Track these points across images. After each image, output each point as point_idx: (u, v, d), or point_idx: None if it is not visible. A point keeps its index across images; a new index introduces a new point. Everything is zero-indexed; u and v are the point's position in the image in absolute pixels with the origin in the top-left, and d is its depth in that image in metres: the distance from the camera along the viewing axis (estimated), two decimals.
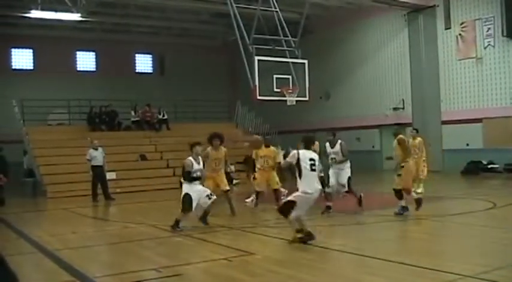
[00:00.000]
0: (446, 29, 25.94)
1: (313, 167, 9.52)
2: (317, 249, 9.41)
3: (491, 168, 23.61)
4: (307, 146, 9.89)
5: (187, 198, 11.55)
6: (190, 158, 12.11)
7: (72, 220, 15.24)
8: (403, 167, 12.57)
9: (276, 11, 21.56)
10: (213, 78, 36.38)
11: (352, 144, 29.11)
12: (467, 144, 24.91)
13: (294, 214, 9.39)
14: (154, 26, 33.54)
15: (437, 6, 26.22)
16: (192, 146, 12.32)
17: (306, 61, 21.01)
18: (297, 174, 9.51)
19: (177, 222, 11.68)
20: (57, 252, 9.75)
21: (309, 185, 9.40)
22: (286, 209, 9.51)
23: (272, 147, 15.44)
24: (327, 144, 14.08)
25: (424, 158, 17.51)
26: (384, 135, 29.01)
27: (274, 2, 21.65)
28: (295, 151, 9.76)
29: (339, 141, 14.09)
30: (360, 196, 14.11)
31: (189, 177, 11.80)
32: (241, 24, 20.23)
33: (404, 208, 12.59)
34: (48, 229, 13.36)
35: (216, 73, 36.89)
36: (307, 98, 21.03)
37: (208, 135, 13.79)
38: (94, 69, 35.12)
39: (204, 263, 8.63)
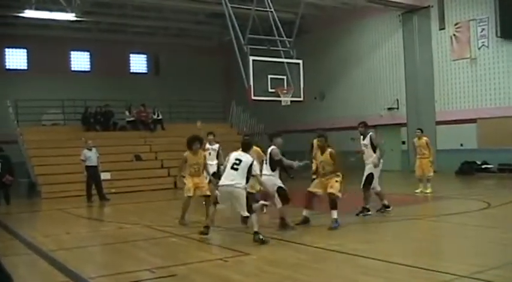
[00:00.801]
0: (440, 29, 25.99)
1: (235, 166, 10.22)
2: (312, 249, 9.41)
3: (486, 168, 23.67)
4: (244, 149, 10.65)
5: None
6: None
7: (67, 221, 15.20)
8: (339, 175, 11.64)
9: (271, 11, 21.53)
10: (207, 78, 36.35)
11: (346, 145, 29.15)
12: (462, 145, 24.97)
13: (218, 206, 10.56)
14: (149, 26, 33.46)
15: (432, 6, 26.27)
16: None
17: (300, 61, 21.00)
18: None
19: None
20: (52, 253, 9.72)
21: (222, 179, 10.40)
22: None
23: (255, 148, 15.06)
24: (361, 136, 13.75)
25: (430, 158, 17.55)
26: (378, 135, 28.98)
27: (269, 2, 21.62)
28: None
29: (370, 133, 13.76)
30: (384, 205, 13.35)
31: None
32: (236, 25, 20.21)
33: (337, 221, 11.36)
34: (43, 230, 13.33)
35: (211, 73, 36.87)
36: (301, 99, 21.01)
37: (187, 139, 12.84)
38: (88, 69, 35.01)
39: (199, 264, 8.62)
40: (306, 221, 11.84)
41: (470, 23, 24.63)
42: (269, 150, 11.76)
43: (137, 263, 9.04)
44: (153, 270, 8.23)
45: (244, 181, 10.19)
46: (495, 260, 8.02)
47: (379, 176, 13.43)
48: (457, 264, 7.79)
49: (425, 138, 17.99)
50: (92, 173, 19.55)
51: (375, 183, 13.20)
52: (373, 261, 8.30)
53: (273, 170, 11.51)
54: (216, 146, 16.50)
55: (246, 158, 10.37)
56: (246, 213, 10.11)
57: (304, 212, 11.88)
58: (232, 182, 10.13)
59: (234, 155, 10.46)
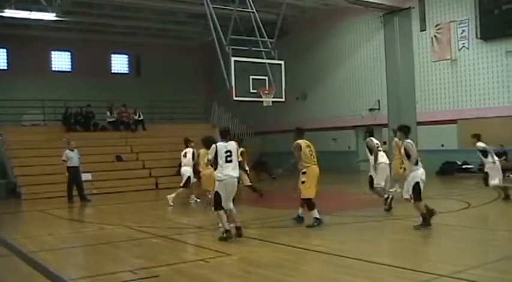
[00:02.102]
0: (421, 30, 26.17)
1: (228, 158, 10.23)
2: (295, 249, 9.43)
3: (466, 168, 23.86)
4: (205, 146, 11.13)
5: None
6: None
7: (48, 222, 15.11)
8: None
9: (253, 12, 21.51)
10: (189, 79, 36.26)
11: (328, 145, 29.34)
12: (443, 145, 25.16)
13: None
14: (131, 26, 33.31)
15: (413, 8, 26.44)
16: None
17: (282, 62, 21.00)
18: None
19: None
20: (33, 255, 9.58)
21: (223, 172, 10.20)
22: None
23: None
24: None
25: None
26: (359, 136, 29.13)
27: (251, 2, 21.62)
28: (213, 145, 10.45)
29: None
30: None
31: None
32: (218, 25, 20.17)
33: (318, 220, 11.54)
34: (24, 231, 13.23)
35: (193, 74, 36.78)
36: (283, 99, 21.01)
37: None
38: (70, 70, 34.78)
39: (181, 264, 8.61)
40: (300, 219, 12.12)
41: (451, 24, 24.83)
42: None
43: (119, 264, 9.01)
44: (135, 271, 8.21)
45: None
46: (475, 259, 8.10)
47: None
48: (438, 264, 7.84)
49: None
50: (74, 173, 19.45)
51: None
52: (356, 261, 8.34)
53: None
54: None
55: (232, 146, 10.49)
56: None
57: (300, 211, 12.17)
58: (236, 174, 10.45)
59: (222, 148, 10.35)
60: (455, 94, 24.86)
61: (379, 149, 14.65)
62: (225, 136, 10.62)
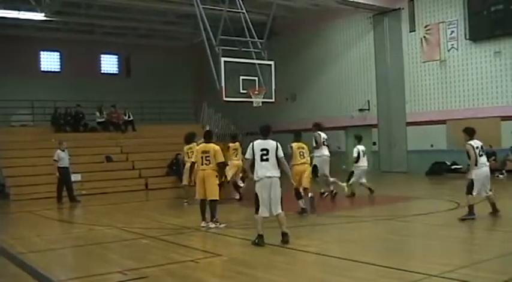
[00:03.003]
0: (411, 31, 26.27)
1: (264, 157, 9.80)
2: (284, 250, 9.43)
3: (455, 168, 23.94)
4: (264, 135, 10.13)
5: None
6: None
7: (37, 223, 15.02)
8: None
9: (243, 13, 21.53)
10: (179, 79, 36.22)
11: None
12: (432, 145, 25.26)
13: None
14: (120, 27, 33.22)
15: (403, 9, 26.54)
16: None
17: (272, 62, 21.03)
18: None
19: None
20: (21, 256, 9.60)
21: (256, 172, 9.84)
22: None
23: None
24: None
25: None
26: (349, 136, 29.23)
27: (241, 3, 21.63)
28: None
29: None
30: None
31: None
32: (208, 26, 20.16)
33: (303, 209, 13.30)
34: (12, 232, 13.16)
35: (183, 74, 36.74)
36: (273, 100, 21.05)
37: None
38: (59, 70, 34.66)
39: (171, 265, 8.58)
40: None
41: (440, 25, 24.94)
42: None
43: (108, 265, 8.97)
44: (125, 272, 8.18)
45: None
46: (464, 259, 8.13)
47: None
48: (427, 264, 7.86)
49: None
50: (64, 174, 19.36)
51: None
52: (344, 261, 8.35)
53: None
54: None
55: (269, 144, 9.99)
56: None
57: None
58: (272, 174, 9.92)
59: (258, 145, 9.97)
60: (445, 95, 24.97)
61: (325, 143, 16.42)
62: (266, 134, 10.13)
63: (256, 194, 9.77)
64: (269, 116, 29.72)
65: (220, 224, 11.91)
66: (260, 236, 9.72)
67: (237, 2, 21.57)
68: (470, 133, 12.44)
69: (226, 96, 19.65)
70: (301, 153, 13.94)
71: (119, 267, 8.59)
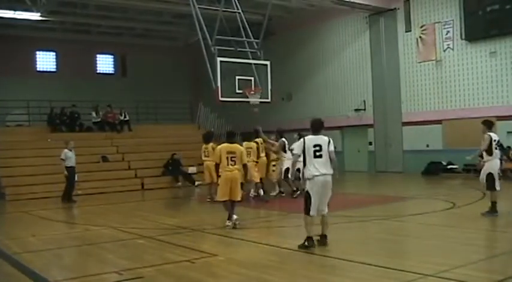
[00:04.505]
0: (406, 31, 26.29)
1: (318, 153, 9.30)
2: (281, 250, 9.44)
3: (451, 168, 23.99)
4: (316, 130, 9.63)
5: None
6: None
7: (33, 223, 14.99)
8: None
9: (239, 13, 21.53)
10: (175, 79, 36.20)
11: None
12: (428, 145, 25.29)
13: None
14: (116, 27, 33.19)
15: (398, 9, 26.56)
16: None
17: (268, 62, 21.03)
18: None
19: None
20: (17, 256, 9.57)
21: (308, 169, 9.31)
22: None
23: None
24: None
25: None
26: (345, 136, 29.30)
27: (237, 3, 21.63)
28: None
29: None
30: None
31: None
32: (204, 25, 20.16)
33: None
34: (8, 232, 13.12)
35: (178, 74, 36.72)
36: (269, 100, 21.05)
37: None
38: (54, 70, 34.59)
39: (167, 265, 8.58)
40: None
41: (436, 25, 24.96)
42: None
43: (104, 265, 8.97)
44: (121, 272, 8.18)
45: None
46: (460, 259, 8.14)
47: None
48: (423, 264, 7.88)
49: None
50: (70, 173, 19.11)
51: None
52: (340, 261, 8.37)
53: None
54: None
55: (323, 140, 9.48)
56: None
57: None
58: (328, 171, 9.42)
59: (310, 141, 9.42)
60: (440, 95, 24.99)
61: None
62: (318, 129, 9.61)
63: (307, 193, 9.30)
64: (265, 115, 29.79)
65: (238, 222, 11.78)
66: (310, 238, 9.26)
67: (233, 2, 21.57)
68: (489, 125, 12.69)
69: (222, 97, 19.64)
70: (248, 152, 15.83)
71: (115, 268, 8.59)
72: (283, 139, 17.82)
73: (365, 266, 7.92)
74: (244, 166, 11.90)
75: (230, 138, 12.31)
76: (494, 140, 12.33)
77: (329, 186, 9.43)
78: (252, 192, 17.52)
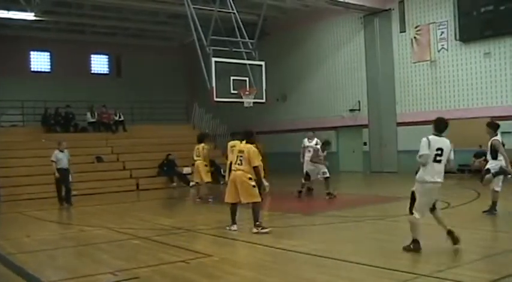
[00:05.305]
0: (401, 32, 26.35)
1: (438, 158, 8.81)
2: (275, 250, 9.44)
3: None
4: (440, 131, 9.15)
5: None
6: None
7: (27, 224, 14.95)
8: None
9: (234, 13, 21.55)
10: (170, 79, 36.17)
11: None
12: None
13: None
14: (111, 27, 33.15)
15: (393, 9, 26.62)
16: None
17: (263, 63, 21.05)
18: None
19: None
20: (11, 257, 9.56)
21: (426, 173, 8.81)
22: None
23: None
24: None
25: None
26: (340, 136, 29.33)
27: (232, 3, 21.63)
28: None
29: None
30: None
31: None
32: (199, 26, 20.16)
33: None
34: (2, 233, 13.06)
35: (173, 74, 36.69)
36: (264, 100, 21.06)
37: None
38: (49, 70, 34.53)
39: (162, 266, 8.58)
40: None
41: (430, 26, 25.02)
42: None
43: (99, 266, 8.95)
44: (116, 272, 8.17)
45: None
46: (455, 259, 8.17)
47: None
48: (418, 264, 7.91)
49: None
50: (62, 175, 18.41)
51: None
52: (335, 261, 8.37)
53: None
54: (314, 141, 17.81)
55: (445, 144, 8.96)
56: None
57: None
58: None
59: (434, 143, 8.88)
60: (435, 95, 25.06)
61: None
62: (442, 129, 9.13)
63: (413, 194, 8.96)
64: (260, 116, 29.88)
65: (262, 229, 10.94)
66: (416, 241, 8.80)
67: (228, 2, 21.57)
68: (495, 128, 12.11)
69: (217, 97, 19.65)
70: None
71: (110, 268, 8.58)
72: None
73: (360, 266, 7.93)
74: (254, 169, 11.05)
75: (244, 137, 11.72)
76: (501, 142, 11.99)
77: (438, 192, 9.09)
78: None
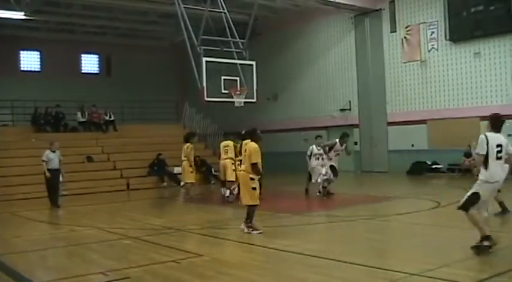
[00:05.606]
0: (391, 32, 26.41)
1: (499, 155, 8.34)
2: (267, 250, 9.44)
3: (436, 168, 24.16)
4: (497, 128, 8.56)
5: None
6: None
7: (17, 224, 14.90)
8: None
9: (224, 12, 21.54)
10: (160, 79, 36.07)
11: (299, 146, 29.40)
12: (413, 145, 25.41)
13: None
14: (101, 26, 33.04)
15: (383, 10, 26.67)
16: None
17: (253, 62, 21.05)
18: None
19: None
20: (1, 257, 9.52)
21: (490, 171, 8.35)
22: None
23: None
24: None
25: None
26: (331, 136, 29.30)
27: (223, 3, 21.62)
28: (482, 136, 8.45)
29: None
30: None
31: None
32: (189, 25, 20.13)
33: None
34: None
35: (164, 74, 36.59)
36: (255, 100, 21.06)
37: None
38: (39, 69, 34.39)
39: (153, 265, 8.56)
40: None
41: (421, 26, 25.10)
42: None
43: (90, 266, 8.92)
44: (107, 273, 8.15)
45: None
46: (445, 257, 8.18)
47: None
48: (409, 263, 7.92)
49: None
50: (53, 176, 18.04)
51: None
52: (328, 261, 8.38)
53: None
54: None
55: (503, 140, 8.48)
56: None
57: None
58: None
59: (493, 140, 8.36)
60: (425, 95, 25.14)
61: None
62: (499, 127, 8.59)
63: (476, 193, 8.42)
64: (251, 116, 29.82)
65: (253, 230, 10.81)
66: (489, 238, 8.32)
67: (219, 2, 21.56)
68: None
69: (207, 97, 19.63)
70: (226, 150, 17.12)
71: (101, 268, 8.56)
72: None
73: (351, 266, 7.94)
74: (252, 167, 10.76)
75: (247, 135, 11.69)
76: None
77: (497, 189, 8.90)
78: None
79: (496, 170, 8.33)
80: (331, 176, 16.66)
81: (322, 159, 16.98)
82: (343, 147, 16.96)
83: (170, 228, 12.26)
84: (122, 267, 8.52)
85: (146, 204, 19.47)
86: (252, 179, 10.75)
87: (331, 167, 16.76)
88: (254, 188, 10.78)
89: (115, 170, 24.98)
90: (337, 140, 16.89)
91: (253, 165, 10.70)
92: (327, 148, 16.80)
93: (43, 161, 18.12)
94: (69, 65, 34.63)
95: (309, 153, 17.55)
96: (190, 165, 18.20)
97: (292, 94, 31.45)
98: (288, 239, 10.15)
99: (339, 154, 17.10)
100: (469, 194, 8.44)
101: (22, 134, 25.71)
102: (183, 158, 18.23)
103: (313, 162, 17.28)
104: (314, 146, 17.51)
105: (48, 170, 18.00)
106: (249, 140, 11.35)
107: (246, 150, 11.04)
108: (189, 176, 18.23)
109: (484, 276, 7.05)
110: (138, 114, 31.26)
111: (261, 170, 10.77)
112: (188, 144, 18.15)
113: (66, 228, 13.56)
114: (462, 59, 23.77)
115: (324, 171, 16.66)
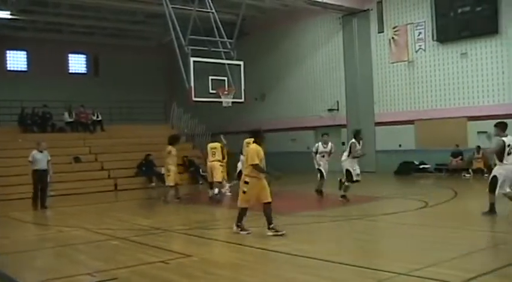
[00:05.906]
0: (379, 32, 26.52)
1: (510, 150, 11.55)
2: (255, 250, 9.45)
3: (423, 168, 24.28)
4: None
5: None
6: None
7: (5, 225, 14.79)
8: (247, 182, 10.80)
9: (212, 12, 21.51)
10: (148, 79, 36.00)
11: (287, 146, 29.50)
12: (400, 145, 25.51)
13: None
14: (88, 26, 32.94)
15: (371, 10, 26.78)
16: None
17: (241, 62, 21.03)
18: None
19: None
20: None
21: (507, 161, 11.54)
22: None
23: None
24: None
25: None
26: (319, 136, 29.34)
27: (210, 3, 21.59)
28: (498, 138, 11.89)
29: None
30: None
31: None
32: (177, 25, 20.09)
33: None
34: None
35: (152, 74, 36.52)
36: (242, 100, 21.05)
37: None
38: (25, 69, 34.21)
39: (141, 266, 8.54)
40: None
41: (408, 26, 25.23)
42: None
43: (78, 267, 8.88)
44: (94, 274, 8.12)
45: None
46: (432, 257, 8.22)
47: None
48: (396, 262, 7.95)
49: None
50: (39, 177, 17.75)
51: None
52: (315, 260, 8.39)
53: None
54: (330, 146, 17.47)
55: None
56: None
57: None
58: None
59: (508, 142, 11.60)
60: (412, 95, 25.26)
61: None
62: (506, 129, 11.80)
63: (495, 177, 11.58)
64: (239, 115, 29.86)
65: (242, 230, 10.82)
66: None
67: (207, 2, 21.53)
68: (503, 128, 12.01)
69: (195, 97, 19.60)
70: (213, 152, 17.65)
71: (88, 269, 8.53)
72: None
73: (339, 265, 7.96)
74: (253, 167, 10.65)
75: (253, 136, 11.55)
76: (508, 145, 11.53)
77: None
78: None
79: (506, 161, 11.50)
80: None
81: (328, 156, 17.43)
82: (361, 145, 16.62)
83: (158, 229, 12.23)
84: (109, 268, 8.49)
85: (134, 204, 19.41)
86: (246, 182, 10.64)
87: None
88: (244, 192, 10.69)
89: (103, 170, 24.90)
90: (353, 140, 16.28)
91: (254, 166, 10.62)
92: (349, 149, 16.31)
93: (29, 161, 17.86)
94: (57, 65, 34.51)
95: (314, 150, 17.49)
96: (168, 169, 17.91)
97: (280, 94, 31.48)
98: (276, 239, 10.15)
99: (324, 156, 17.16)
100: (489, 179, 11.72)
101: (9, 134, 25.54)
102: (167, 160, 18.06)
103: (320, 160, 17.39)
104: (320, 143, 17.52)
105: (36, 170, 17.71)
106: (252, 141, 11.40)
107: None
108: (168, 179, 18.02)
109: (471, 275, 7.09)
110: (126, 115, 31.20)
111: (263, 168, 10.71)
112: (170, 147, 17.91)
113: (53, 229, 13.51)
114: (449, 60, 23.92)
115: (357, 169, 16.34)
